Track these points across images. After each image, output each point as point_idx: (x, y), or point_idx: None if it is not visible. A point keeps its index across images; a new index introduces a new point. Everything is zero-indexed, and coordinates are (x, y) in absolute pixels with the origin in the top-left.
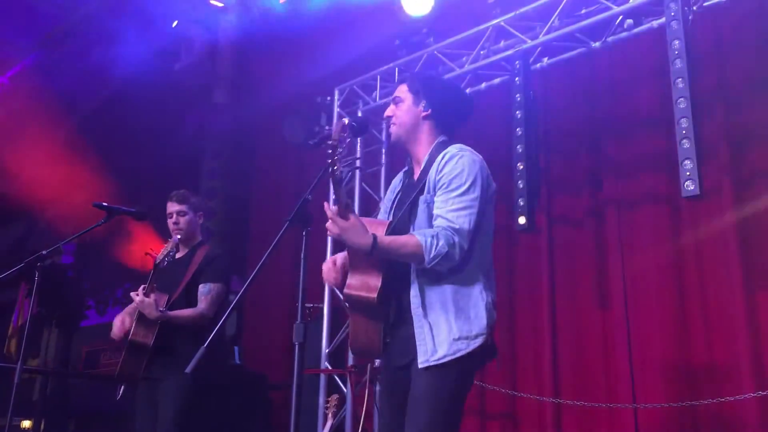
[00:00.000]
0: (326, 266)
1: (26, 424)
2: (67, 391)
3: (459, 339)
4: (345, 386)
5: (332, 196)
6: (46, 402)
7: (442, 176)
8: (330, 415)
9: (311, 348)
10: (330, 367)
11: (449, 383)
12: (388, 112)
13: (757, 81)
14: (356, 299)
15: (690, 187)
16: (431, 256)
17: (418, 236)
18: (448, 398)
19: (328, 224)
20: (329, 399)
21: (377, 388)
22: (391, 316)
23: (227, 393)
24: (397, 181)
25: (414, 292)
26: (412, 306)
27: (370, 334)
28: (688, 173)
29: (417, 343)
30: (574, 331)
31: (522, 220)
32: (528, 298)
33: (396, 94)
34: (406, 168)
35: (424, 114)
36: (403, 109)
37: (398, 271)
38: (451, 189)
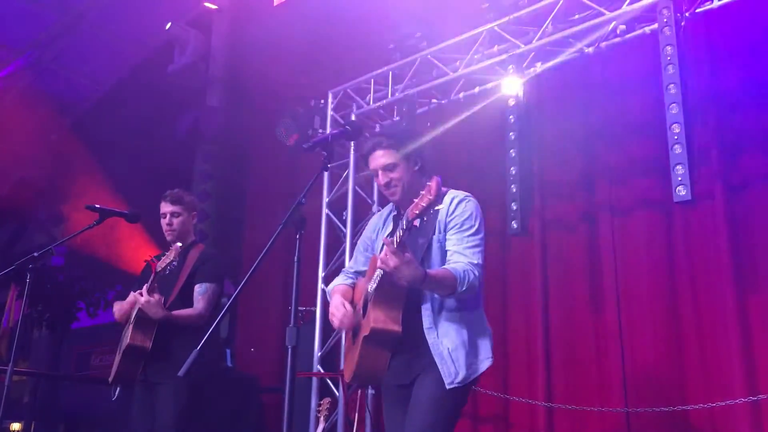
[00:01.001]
0: (343, 311)
1: (16, 426)
2: (57, 393)
3: (473, 363)
4: (337, 390)
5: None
6: (36, 404)
7: (454, 217)
8: (322, 418)
9: (303, 351)
10: (322, 371)
11: (455, 399)
12: (384, 180)
13: (748, 87)
14: (381, 333)
15: (682, 192)
16: (464, 288)
17: (452, 270)
18: (451, 411)
19: (386, 257)
20: (321, 402)
21: (369, 392)
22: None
23: (220, 396)
24: (380, 222)
25: (428, 324)
26: (428, 338)
27: (378, 363)
28: (679, 178)
29: (439, 366)
30: (567, 335)
31: (515, 224)
32: (521, 302)
33: (384, 161)
34: (393, 213)
35: (416, 168)
36: (400, 173)
37: (409, 302)
38: (465, 229)
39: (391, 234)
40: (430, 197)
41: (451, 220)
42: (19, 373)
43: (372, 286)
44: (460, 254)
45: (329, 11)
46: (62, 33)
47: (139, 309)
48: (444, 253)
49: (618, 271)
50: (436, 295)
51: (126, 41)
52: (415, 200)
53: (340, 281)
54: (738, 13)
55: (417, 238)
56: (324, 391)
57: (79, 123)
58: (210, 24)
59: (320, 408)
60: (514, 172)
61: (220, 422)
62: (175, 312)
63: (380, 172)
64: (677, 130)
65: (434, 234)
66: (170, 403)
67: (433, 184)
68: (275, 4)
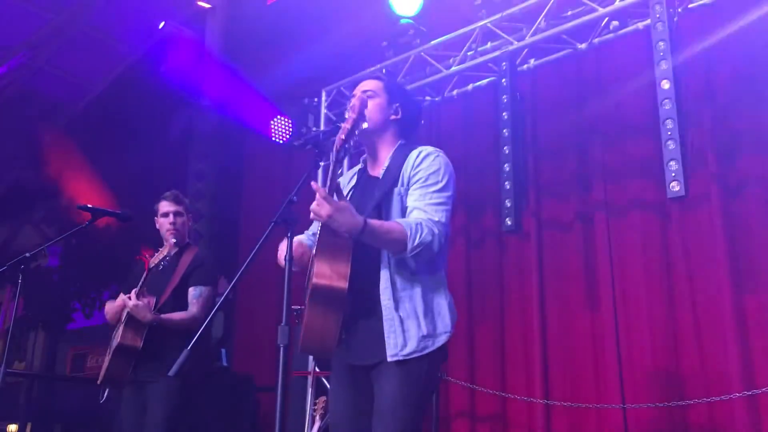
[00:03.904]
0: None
1: (12, 428)
2: (53, 394)
3: (426, 336)
4: None
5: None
6: (32, 406)
7: (419, 171)
8: (318, 417)
9: (299, 350)
10: (317, 369)
11: (419, 381)
12: (356, 102)
13: (743, 85)
14: (324, 289)
15: (675, 188)
16: (414, 243)
17: (403, 224)
18: (417, 395)
19: (316, 205)
20: (317, 401)
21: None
22: (351, 308)
23: (214, 395)
24: (346, 180)
25: (384, 285)
26: (382, 298)
27: (327, 329)
28: (673, 174)
29: (386, 335)
30: (564, 333)
31: (509, 221)
32: (518, 300)
33: (367, 87)
34: (361, 167)
35: (393, 117)
36: (375, 104)
37: (364, 262)
38: (429, 184)
39: (361, 190)
40: (353, 115)
41: (415, 173)
42: (14, 374)
43: (314, 240)
44: (419, 210)
45: (322, 9)
46: (55, 33)
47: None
48: (404, 207)
49: (614, 269)
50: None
51: (119, 40)
52: (342, 124)
53: (299, 238)
54: (731, 8)
55: (373, 190)
56: (320, 390)
57: (72, 123)
58: (203, 23)
59: (316, 407)
60: (507, 168)
61: (214, 422)
62: (167, 315)
63: (357, 94)
64: (670, 126)
65: (396, 186)
66: (162, 402)
67: (355, 101)
68: (268, 3)
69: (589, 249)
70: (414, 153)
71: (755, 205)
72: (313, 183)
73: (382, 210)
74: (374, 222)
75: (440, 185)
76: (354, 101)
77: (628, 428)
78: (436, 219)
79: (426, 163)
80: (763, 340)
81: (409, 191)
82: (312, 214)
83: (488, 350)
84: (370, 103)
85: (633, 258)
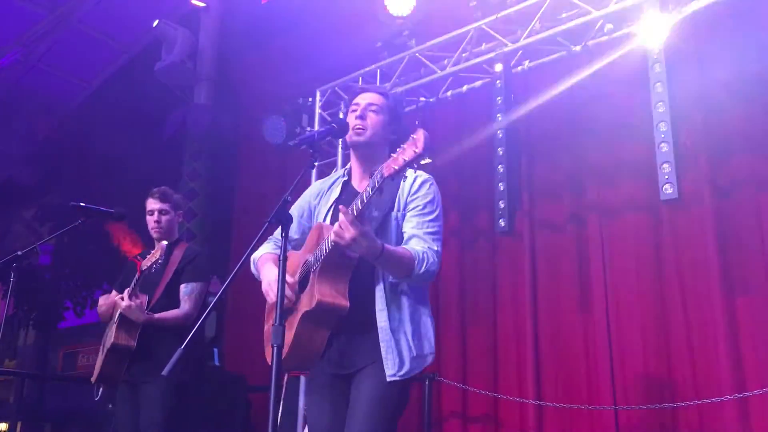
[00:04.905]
0: (276, 286)
1: (2, 427)
2: (43, 393)
3: (417, 357)
4: None
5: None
6: (23, 404)
7: (416, 198)
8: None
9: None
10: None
11: (397, 397)
12: (360, 113)
13: (734, 88)
14: (328, 307)
15: (668, 190)
16: (421, 271)
17: (411, 251)
18: (392, 411)
19: (340, 228)
20: None
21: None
22: (343, 325)
23: (207, 395)
24: (325, 188)
25: (380, 306)
26: (379, 319)
27: (315, 342)
28: (666, 177)
29: (383, 356)
30: (556, 334)
31: (502, 222)
32: (510, 301)
33: (373, 101)
34: (344, 178)
35: (390, 138)
36: (379, 121)
37: (358, 280)
38: (426, 213)
39: (345, 202)
40: (416, 150)
41: (413, 200)
42: (5, 373)
43: (317, 256)
44: (419, 239)
45: (317, 9)
46: (50, 31)
47: None
48: (400, 232)
49: (607, 270)
50: (389, 276)
51: (113, 39)
52: (393, 155)
53: (268, 249)
54: (723, 12)
55: (372, 211)
56: None
57: (66, 121)
58: (198, 22)
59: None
60: (501, 170)
61: (206, 421)
62: (159, 315)
63: (361, 106)
64: (664, 129)
65: (392, 210)
66: (156, 402)
67: (419, 135)
68: (263, 2)
69: (582, 250)
70: (410, 178)
71: (746, 207)
72: (341, 207)
73: (378, 233)
74: (390, 247)
75: (434, 214)
76: (419, 138)
77: (620, 429)
78: (435, 249)
79: (422, 191)
80: (753, 342)
81: (406, 217)
82: (333, 235)
83: (481, 351)
84: (375, 118)
85: (625, 260)
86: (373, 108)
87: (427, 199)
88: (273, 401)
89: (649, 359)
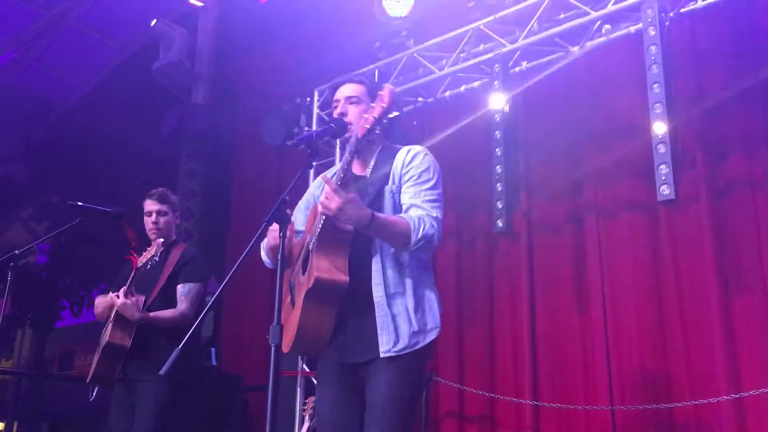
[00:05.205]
0: (275, 234)
1: None
2: (40, 393)
3: (417, 332)
4: None
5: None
6: (20, 404)
7: (410, 169)
8: (307, 417)
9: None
10: (307, 369)
11: (410, 378)
12: (341, 110)
13: (733, 88)
14: (326, 283)
15: (665, 191)
16: (418, 237)
17: (406, 218)
18: (409, 392)
19: (325, 198)
20: (306, 401)
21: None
22: (343, 303)
23: (203, 395)
24: (328, 177)
25: (377, 280)
26: (375, 294)
27: (322, 323)
28: (663, 178)
29: (378, 331)
30: (553, 334)
31: (500, 222)
32: (508, 301)
33: (351, 93)
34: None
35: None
36: (361, 111)
37: (356, 257)
38: (422, 181)
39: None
40: (383, 105)
41: (407, 171)
42: (2, 372)
43: (312, 234)
44: (417, 207)
45: (315, 9)
46: (47, 30)
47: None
48: (397, 205)
49: (604, 271)
50: (388, 248)
51: (111, 38)
52: (365, 115)
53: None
54: (722, 13)
55: (366, 187)
56: (309, 390)
57: (63, 121)
58: (195, 21)
59: (305, 407)
60: (500, 170)
61: (203, 421)
62: (155, 313)
63: (341, 102)
64: (661, 130)
65: (387, 184)
66: (151, 401)
67: (385, 92)
68: (261, 2)
69: (579, 251)
70: (403, 152)
71: (743, 207)
72: (323, 176)
73: (374, 208)
74: (381, 215)
75: (432, 182)
76: (384, 94)
77: (616, 429)
78: (434, 215)
79: (416, 161)
80: (750, 341)
81: (402, 189)
82: (320, 207)
83: (477, 351)
84: (356, 109)
85: (622, 260)
86: (353, 100)
87: (422, 168)
88: (271, 401)
89: (646, 359)
